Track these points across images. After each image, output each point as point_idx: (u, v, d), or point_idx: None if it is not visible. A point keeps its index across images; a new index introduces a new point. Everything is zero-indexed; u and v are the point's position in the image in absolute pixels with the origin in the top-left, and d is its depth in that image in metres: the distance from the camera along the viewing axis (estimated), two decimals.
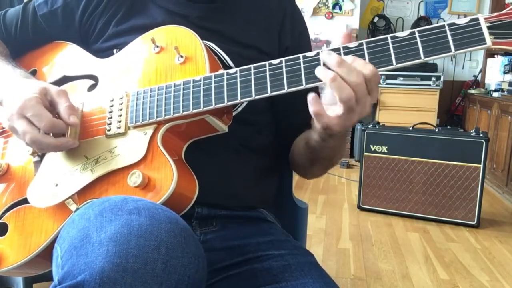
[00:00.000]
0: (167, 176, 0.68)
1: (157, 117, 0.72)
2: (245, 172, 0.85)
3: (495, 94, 3.82)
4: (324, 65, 0.64)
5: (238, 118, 0.81)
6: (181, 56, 0.75)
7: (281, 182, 0.99)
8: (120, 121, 0.75)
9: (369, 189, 2.82)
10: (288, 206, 1.09)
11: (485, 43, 0.59)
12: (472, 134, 2.59)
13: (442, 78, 4.21)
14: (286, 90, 0.67)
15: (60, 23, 0.91)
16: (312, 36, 4.08)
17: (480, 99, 3.99)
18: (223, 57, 0.83)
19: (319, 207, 2.97)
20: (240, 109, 0.83)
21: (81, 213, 0.62)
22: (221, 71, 0.72)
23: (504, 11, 0.60)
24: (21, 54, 0.95)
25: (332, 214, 2.85)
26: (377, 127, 2.80)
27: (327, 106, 0.65)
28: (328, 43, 4.26)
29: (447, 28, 0.61)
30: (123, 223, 0.54)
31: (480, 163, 2.55)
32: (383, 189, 2.78)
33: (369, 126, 2.81)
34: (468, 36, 0.60)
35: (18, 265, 0.74)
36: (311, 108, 0.64)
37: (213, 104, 0.69)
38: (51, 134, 0.72)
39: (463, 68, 4.82)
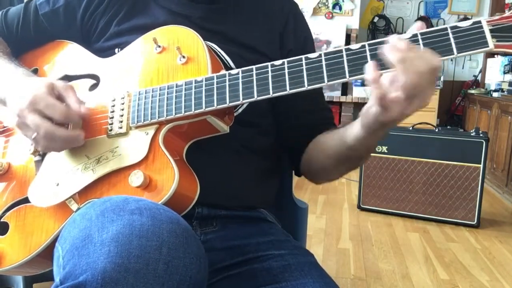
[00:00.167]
0: (169, 177, 0.68)
1: (158, 117, 0.72)
2: (246, 173, 0.85)
3: (495, 94, 3.82)
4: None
5: (240, 119, 0.81)
6: (183, 57, 0.75)
7: (281, 182, 0.99)
8: (121, 121, 0.75)
9: (369, 189, 2.82)
10: (288, 206, 1.09)
11: (488, 46, 0.59)
12: (472, 134, 2.59)
13: (442, 78, 4.21)
14: (288, 91, 0.66)
15: (61, 22, 0.91)
16: None
17: (480, 99, 3.99)
18: (225, 58, 0.83)
19: (319, 207, 2.97)
20: (240, 110, 0.83)
21: (82, 213, 0.62)
22: (223, 71, 0.72)
23: (506, 14, 0.60)
24: (22, 53, 0.95)
25: (332, 214, 2.85)
26: None
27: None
28: (328, 43, 4.26)
29: (449, 30, 0.61)
30: (125, 223, 0.54)
31: (480, 163, 2.55)
32: (383, 189, 2.78)
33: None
34: (470, 39, 0.60)
35: (19, 265, 0.74)
36: (368, 74, 0.60)
37: (215, 105, 0.69)
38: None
39: (463, 68, 4.82)
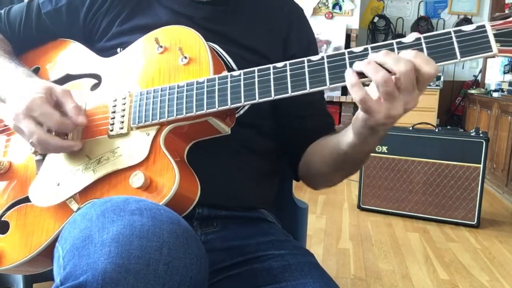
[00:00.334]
0: (169, 178, 0.68)
1: (160, 118, 0.72)
2: (246, 173, 0.85)
3: (495, 94, 3.82)
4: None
5: (241, 120, 0.81)
6: (185, 57, 0.75)
7: (281, 182, 0.99)
8: (123, 122, 0.75)
9: (369, 189, 2.82)
10: (288, 206, 1.09)
11: (491, 51, 0.59)
12: (472, 134, 2.59)
13: (442, 78, 4.21)
14: (290, 94, 0.66)
15: (64, 21, 0.91)
16: None
17: (480, 99, 3.99)
18: (226, 59, 0.83)
19: (319, 207, 2.97)
20: (242, 111, 0.83)
21: (82, 213, 0.62)
22: (225, 73, 0.72)
23: (511, 19, 0.60)
24: (24, 52, 0.95)
25: (332, 214, 2.85)
26: None
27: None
28: (328, 43, 4.26)
29: (453, 34, 0.60)
30: (125, 224, 0.54)
31: (480, 163, 2.55)
32: (383, 189, 2.78)
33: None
34: (474, 43, 0.59)
35: (19, 264, 0.74)
36: (348, 79, 0.61)
37: (216, 107, 0.69)
38: (54, 134, 0.72)
39: (463, 68, 4.82)
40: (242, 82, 0.69)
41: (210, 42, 0.79)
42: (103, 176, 0.71)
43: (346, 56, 0.64)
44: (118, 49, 0.85)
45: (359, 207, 2.88)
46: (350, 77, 0.61)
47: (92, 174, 0.72)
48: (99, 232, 0.55)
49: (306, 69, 0.65)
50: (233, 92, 0.69)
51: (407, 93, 0.60)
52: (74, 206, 0.72)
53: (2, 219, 0.78)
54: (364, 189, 2.83)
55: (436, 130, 2.67)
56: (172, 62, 0.77)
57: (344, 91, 4.32)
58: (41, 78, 0.85)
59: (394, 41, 0.62)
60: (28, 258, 0.73)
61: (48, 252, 0.73)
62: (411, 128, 2.73)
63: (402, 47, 0.62)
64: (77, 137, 0.76)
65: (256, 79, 0.68)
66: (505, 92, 3.68)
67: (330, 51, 4.03)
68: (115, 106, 0.77)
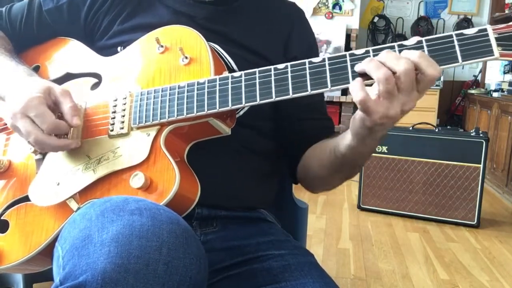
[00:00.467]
0: (170, 178, 0.68)
1: (160, 118, 0.72)
2: (246, 174, 0.85)
3: (495, 94, 3.82)
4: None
5: (241, 121, 0.81)
6: (186, 57, 0.75)
7: (281, 182, 0.99)
8: (123, 122, 0.75)
9: (369, 189, 2.82)
10: (288, 206, 1.09)
11: (493, 55, 0.58)
12: (472, 134, 2.59)
13: (442, 78, 4.21)
14: (291, 95, 0.66)
15: (65, 19, 0.91)
16: None
17: (480, 99, 3.99)
18: (227, 60, 0.83)
19: (319, 207, 2.97)
20: (242, 112, 0.83)
21: (82, 213, 0.62)
22: (226, 73, 0.72)
23: None
24: (25, 50, 0.95)
25: (332, 214, 2.85)
26: None
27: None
28: (328, 43, 4.26)
29: (455, 38, 0.60)
30: (125, 224, 0.54)
31: (480, 163, 2.55)
32: (383, 189, 2.78)
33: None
34: (476, 47, 0.59)
35: (18, 263, 0.74)
36: (353, 84, 0.61)
37: (217, 108, 0.69)
38: (53, 134, 0.72)
39: (463, 68, 4.82)
40: (243, 83, 0.69)
41: (211, 42, 0.79)
42: (103, 176, 0.71)
43: (348, 58, 0.64)
44: (119, 48, 0.85)
45: (359, 207, 2.88)
46: (354, 83, 0.61)
47: (92, 174, 0.72)
48: (98, 232, 0.55)
49: (307, 71, 0.65)
50: (234, 93, 0.69)
51: (406, 93, 0.60)
52: (74, 205, 0.72)
53: (2, 218, 0.78)
54: (364, 189, 2.83)
55: (436, 130, 2.67)
56: (172, 62, 0.77)
57: (344, 91, 4.32)
58: (41, 76, 0.85)
59: (395, 44, 0.62)
60: (28, 257, 0.73)
61: (47, 252, 0.73)
62: (411, 128, 2.73)
63: (404, 49, 0.62)
64: (77, 136, 0.76)
65: (257, 80, 0.68)
66: (505, 92, 3.68)
67: (330, 51, 4.00)
68: (115, 106, 0.77)
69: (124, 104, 0.76)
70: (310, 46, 0.95)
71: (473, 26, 4.63)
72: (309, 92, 0.65)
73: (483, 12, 4.68)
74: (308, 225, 1.11)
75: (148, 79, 0.77)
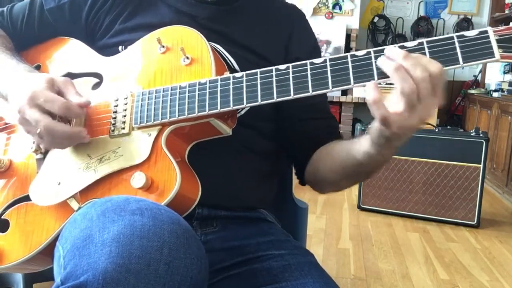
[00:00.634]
0: (171, 179, 0.68)
1: (161, 118, 0.72)
2: (247, 174, 0.85)
3: (495, 94, 3.82)
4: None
5: (242, 121, 0.81)
6: (187, 58, 0.75)
7: (281, 182, 0.99)
8: (124, 122, 0.75)
9: (369, 189, 2.82)
10: (288, 206, 1.09)
11: (494, 57, 0.59)
12: (472, 134, 2.59)
13: None
14: (292, 96, 0.66)
15: (66, 19, 0.91)
16: None
17: (480, 99, 3.99)
18: (229, 60, 0.83)
19: (319, 207, 2.98)
20: (243, 112, 0.83)
21: (83, 212, 0.62)
22: (227, 73, 0.72)
23: None
24: (25, 49, 0.95)
25: (332, 214, 2.85)
26: None
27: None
28: (328, 43, 4.26)
29: (455, 39, 0.60)
30: (126, 224, 0.54)
31: (480, 163, 2.55)
32: (383, 189, 2.78)
33: (369, 126, 2.80)
34: (476, 49, 0.59)
35: (19, 263, 0.74)
36: (370, 94, 0.60)
37: (219, 108, 0.69)
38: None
39: (463, 68, 4.81)
40: (244, 84, 0.69)
41: (212, 43, 0.79)
42: (104, 175, 0.71)
43: (349, 59, 0.64)
44: (120, 47, 0.85)
45: (359, 207, 2.88)
46: (373, 93, 0.60)
47: (93, 173, 0.72)
48: (99, 232, 0.55)
49: (309, 72, 0.65)
50: (236, 93, 0.69)
51: (426, 101, 0.59)
52: (74, 205, 0.72)
53: (2, 217, 0.78)
54: (364, 189, 2.84)
55: (436, 130, 2.68)
56: (174, 62, 0.77)
57: (344, 91, 4.32)
58: None
59: (397, 45, 0.62)
60: (28, 257, 0.73)
61: (48, 251, 0.73)
62: None
63: (406, 51, 0.61)
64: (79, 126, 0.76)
65: (259, 81, 0.68)
66: (505, 92, 3.68)
67: (330, 51, 3.98)
68: (116, 106, 0.77)
69: (125, 104, 0.76)
70: (313, 47, 0.95)
71: (473, 26, 4.65)
72: (310, 93, 0.65)
73: (483, 12, 4.68)
74: (308, 225, 1.11)
75: (149, 79, 0.77)
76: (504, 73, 3.88)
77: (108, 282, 0.49)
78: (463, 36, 0.60)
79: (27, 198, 0.77)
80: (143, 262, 0.51)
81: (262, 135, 0.88)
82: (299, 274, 0.74)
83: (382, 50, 0.62)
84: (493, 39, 0.59)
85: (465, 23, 4.65)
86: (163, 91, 0.74)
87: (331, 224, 2.67)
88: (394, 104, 0.60)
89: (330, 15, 4.28)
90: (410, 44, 0.62)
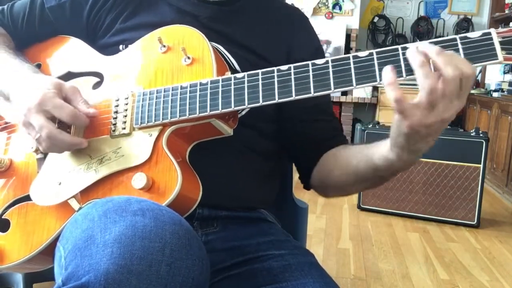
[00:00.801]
0: (172, 179, 0.68)
1: (163, 119, 0.72)
2: (248, 174, 0.85)
3: (495, 94, 3.82)
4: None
5: (243, 121, 0.80)
6: (188, 57, 0.75)
7: (281, 182, 0.99)
8: (125, 122, 0.75)
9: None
10: (288, 206, 1.09)
11: (497, 59, 0.58)
12: (472, 134, 2.59)
13: None
14: (294, 97, 0.65)
15: (67, 17, 0.91)
16: None
17: (480, 99, 3.99)
18: (230, 60, 0.83)
19: (319, 207, 2.98)
20: (244, 112, 0.83)
21: (84, 213, 0.62)
22: (228, 74, 0.72)
23: None
24: (26, 47, 0.94)
25: (332, 214, 2.85)
26: (377, 127, 2.81)
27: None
28: (328, 43, 4.26)
29: (458, 41, 0.60)
30: (128, 225, 0.54)
31: (480, 163, 2.55)
32: (383, 189, 2.78)
33: (369, 126, 2.81)
34: (480, 50, 0.59)
35: (19, 263, 0.74)
36: (385, 77, 0.59)
37: (220, 109, 0.69)
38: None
39: None
40: (246, 85, 0.69)
41: (213, 42, 0.79)
42: (105, 176, 0.72)
43: (351, 60, 0.63)
44: (121, 46, 0.85)
45: (359, 207, 2.88)
46: (387, 75, 0.59)
47: (94, 174, 0.72)
48: (101, 232, 0.55)
49: (311, 73, 0.65)
50: (237, 94, 0.69)
51: (447, 101, 0.58)
52: (75, 205, 0.72)
53: (3, 217, 0.78)
54: None
55: None
56: (175, 62, 0.77)
57: (344, 91, 4.31)
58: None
59: (399, 47, 0.62)
60: (29, 257, 0.73)
61: (49, 251, 0.73)
62: None
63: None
64: (78, 135, 0.76)
65: (260, 82, 0.68)
66: (505, 92, 3.68)
67: (330, 51, 3.98)
68: (117, 105, 0.77)
69: (126, 104, 0.76)
70: (315, 49, 0.95)
71: (473, 26, 4.65)
72: (312, 94, 0.65)
73: (483, 12, 4.69)
74: (308, 225, 1.11)
75: (150, 79, 0.77)
76: (504, 73, 3.89)
77: (109, 283, 0.49)
78: (466, 37, 0.60)
79: (27, 198, 0.77)
80: (145, 263, 0.51)
81: (263, 135, 0.87)
82: (299, 274, 0.74)
83: (384, 51, 0.62)
84: (496, 41, 0.59)
85: (465, 23, 4.66)
86: (164, 91, 0.73)
87: (331, 224, 2.67)
88: (417, 97, 0.58)
89: (330, 15, 4.28)
90: (411, 45, 0.61)
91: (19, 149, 0.83)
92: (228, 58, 0.83)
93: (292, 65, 0.67)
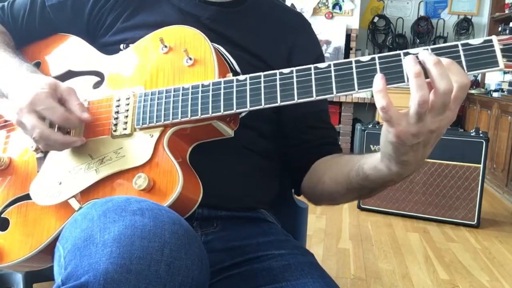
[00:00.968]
0: (173, 180, 0.68)
1: (164, 120, 0.72)
2: (248, 174, 0.85)
3: (495, 94, 3.82)
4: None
5: (243, 122, 0.80)
6: (190, 58, 0.75)
7: (281, 182, 0.99)
8: (126, 122, 0.75)
9: None
10: (288, 206, 1.09)
11: (498, 66, 0.58)
12: (472, 134, 2.59)
13: None
14: (296, 100, 0.65)
15: (68, 15, 0.90)
16: None
17: (480, 99, 4.00)
18: (231, 61, 0.83)
19: (319, 207, 2.97)
20: (244, 114, 0.83)
21: (84, 212, 0.62)
22: (230, 75, 0.72)
23: None
24: (25, 45, 0.94)
25: (332, 214, 2.85)
26: (377, 127, 2.80)
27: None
28: (328, 43, 4.26)
29: (460, 48, 0.59)
30: (127, 224, 0.54)
31: (480, 163, 2.55)
32: None
33: (369, 126, 2.81)
34: (481, 57, 0.59)
35: (19, 262, 0.74)
36: (375, 84, 0.58)
37: (222, 111, 0.69)
38: (56, 130, 0.72)
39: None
40: (248, 87, 0.68)
41: (214, 43, 0.79)
42: (106, 176, 0.71)
43: (353, 65, 0.63)
44: (121, 46, 0.85)
45: (359, 207, 2.88)
46: (377, 83, 0.59)
47: (95, 174, 0.72)
48: (100, 232, 0.55)
49: (313, 77, 0.65)
50: (239, 96, 0.68)
51: (435, 113, 0.57)
52: (75, 205, 0.72)
53: (2, 215, 0.78)
54: None
55: None
56: (176, 62, 0.77)
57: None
58: (42, 73, 0.84)
59: (401, 52, 0.61)
60: (29, 256, 0.73)
61: (49, 250, 0.73)
62: None
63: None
64: (79, 135, 0.76)
65: (262, 85, 0.68)
66: (505, 92, 3.68)
67: (330, 51, 3.97)
68: (118, 106, 0.77)
69: (127, 104, 0.76)
70: (317, 55, 0.94)
71: (473, 26, 4.65)
72: (314, 97, 0.64)
73: (483, 12, 4.69)
74: (308, 225, 1.11)
75: (152, 79, 0.77)
76: (504, 73, 3.88)
77: (109, 282, 0.50)
78: (467, 44, 0.60)
79: (27, 197, 0.77)
80: (144, 263, 0.51)
81: (263, 136, 0.88)
82: (299, 274, 0.74)
83: (387, 56, 0.62)
84: (497, 48, 0.58)
85: (465, 23, 4.65)
86: (166, 92, 0.73)
87: (331, 224, 2.67)
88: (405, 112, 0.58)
89: (330, 15, 4.28)
90: (415, 50, 0.61)
91: (19, 148, 0.83)
92: (229, 59, 0.83)
93: (294, 68, 0.67)
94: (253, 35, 0.89)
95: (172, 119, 0.71)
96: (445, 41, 4.63)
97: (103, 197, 0.70)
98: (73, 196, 0.72)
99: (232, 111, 0.69)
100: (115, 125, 0.75)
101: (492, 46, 0.59)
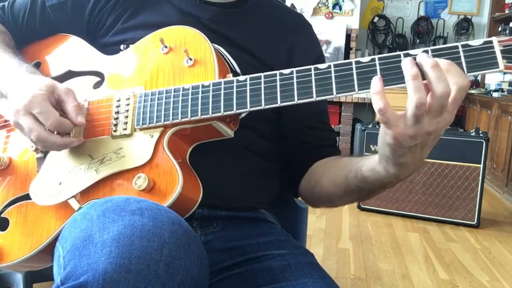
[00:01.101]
0: (173, 181, 0.68)
1: (164, 120, 0.72)
2: (248, 174, 0.85)
3: (495, 94, 3.83)
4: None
5: (243, 122, 0.80)
6: (190, 59, 0.75)
7: (281, 182, 0.99)
8: (126, 122, 0.75)
9: None
10: (288, 206, 1.09)
11: (498, 67, 0.58)
12: (472, 134, 2.59)
13: None
14: (296, 101, 0.65)
15: (68, 15, 0.90)
16: None
17: (480, 99, 4.00)
18: (231, 62, 0.83)
19: None
20: (244, 115, 0.83)
21: (83, 212, 0.62)
22: (230, 76, 0.72)
23: None
24: (25, 45, 0.94)
25: (332, 214, 2.85)
26: (377, 127, 2.80)
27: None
28: (328, 43, 4.26)
29: (460, 49, 0.59)
30: (126, 224, 0.54)
31: (480, 163, 2.55)
32: None
33: (369, 126, 2.81)
34: (481, 58, 0.58)
35: (19, 262, 0.74)
36: (372, 86, 0.58)
37: (222, 111, 0.69)
38: (55, 132, 0.72)
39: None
40: (248, 88, 0.68)
41: (214, 44, 0.79)
42: (106, 176, 0.71)
43: (353, 66, 0.63)
44: (122, 46, 0.85)
45: (359, 207, 2.88)
46: (375, 84, 0.58)
47: (95, 174, 0.72)
48: (99, 232, 0.55)
49: (313, 77, 0.65)
50: (239, 97, 0.68)
51: (432, 115, 0.57)
52: (75, 205, 0.72)
53: (2, 215, 0.78)
54: None
55: None
56: (177, 63, 0.77)
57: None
58: (42, 73, 0.84)
59: (402, 53, 0.61)
60: (28, 256, 0.73)
61: (48, 250, 0.73)
62: None
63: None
64: (78, 135, 0.76)
65: (263, 85, 0.68)
66: (505, 92, 3.69)
67: (330, 51, 3.97)
68: (118, 106, 0.77)
69: (128, 104, 0.76)
70: (317, 56, 0.94)
71: (473, 26, 4.65)
72: (315, 98, 0.64)
73: (483, 12, 4.69)
74: (308, 225, 1.11)
75: (152, 79, 0.77)
76: (504, 73, 3.88)
77: (108, 282, 0.49)
78: (467, 45, 0.59)
79: (27, 197, 0.77)
80: (143, 263, 0.51)
81: (263, 136, 0.88)
82: (299, 274, 0.74)
83: (386, 58, 0.62)
84: (497, 49, 0.58)
85: (465, 23, 4.66)
86: (166, 92, 0.73)
87: (331, 224, 2.67)
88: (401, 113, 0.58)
89: (330, 15, 4.28)
90: (415, 52, 0.61)
91: (18, 148, 0.83)
92: (229, 60, 0.83)
93: (294, 69, 0.66)
94: (254, 36, 0.89)
95: (172, 119, 0.71)
96: (445, 41, 4.63)
97: (103, 197, 0.70)
98: (73, 196, 0.72)
99: (232, 112, 0.69)
100: (115, 125, 0.75)
101: (492, 47, 0.59)
